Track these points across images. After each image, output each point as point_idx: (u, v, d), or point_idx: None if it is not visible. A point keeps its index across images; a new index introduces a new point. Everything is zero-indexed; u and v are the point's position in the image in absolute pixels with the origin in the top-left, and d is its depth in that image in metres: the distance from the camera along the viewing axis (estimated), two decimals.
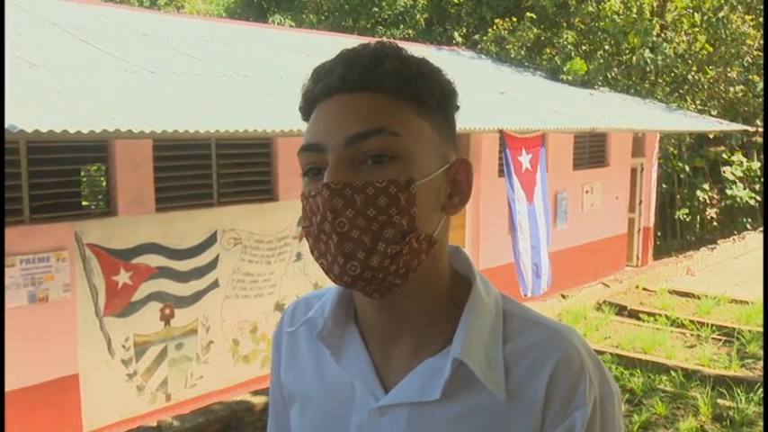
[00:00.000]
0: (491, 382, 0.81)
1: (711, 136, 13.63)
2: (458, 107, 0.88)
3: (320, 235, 0.79)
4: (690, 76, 13.56)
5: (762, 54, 12.45)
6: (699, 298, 8.84)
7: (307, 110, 0.85)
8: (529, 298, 7.54)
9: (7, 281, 4.70)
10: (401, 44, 0.86)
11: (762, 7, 12.41)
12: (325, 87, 0.82)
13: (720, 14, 12.57)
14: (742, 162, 13.90)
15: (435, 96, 0.83)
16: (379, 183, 0.78)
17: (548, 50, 13.21)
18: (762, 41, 12.30)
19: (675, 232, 14.23)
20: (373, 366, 0.88)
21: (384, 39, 0.81)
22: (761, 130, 13.20)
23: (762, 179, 13.77)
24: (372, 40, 0.85)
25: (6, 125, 3.62)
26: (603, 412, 0.83)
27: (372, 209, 0.78)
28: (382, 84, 0.80)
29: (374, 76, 0.80)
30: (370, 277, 0.79)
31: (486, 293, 0.88)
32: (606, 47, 12.97)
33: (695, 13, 13.12)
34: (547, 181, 7.80)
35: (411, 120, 0.81)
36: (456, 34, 14.25)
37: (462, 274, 0.90)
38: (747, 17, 12.78)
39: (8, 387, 4.69)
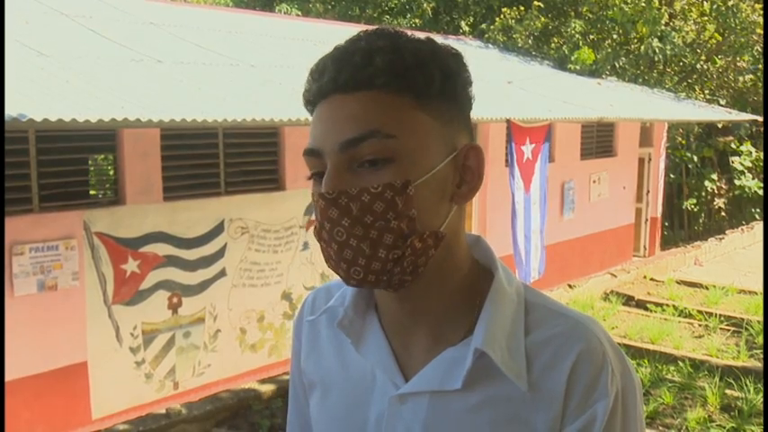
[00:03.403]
0: (512, 372, 0.81)
1: (720, 126, 13.53)
2: (470, 83, 0.85)
3: (322, 241, 0.80)
4: (698, 66, 13.45)
5: None
6: (707, 288, 8.81)
7: (309, 110, 0.84)
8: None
9: (17, 269, 4.72)
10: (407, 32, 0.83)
11: None
12: (319, 90, 0.81)
13: (730, 3, 12.45)
14: (750, 152, 13.80)
15: (435, 83, 0.80)
16: (374, 188, 0.77)
17: (555, 40, 13.10)
18: None
19: (683, 222, 14.17)
20: (393, 355, 0.88)
21: (382, 26, 0.78)
22: None
23: None
24: (370, 29, 0.82)
25: (15, 114, 3.62)
26: (625, 404, 0.82)
27: (369, 215, 0.77)
28: (374, 81, 0.78)
29: (365, 74, 0.78)
30: (375, 280, 0.79)
31: (509, 283, 0.87)
32: (614, 36, 12.86)
33: (704, 2, 13.00)
34: (547, 172, 7.78)
35: (409, 116, 0.78)
36: (463, 23, 14.17)
37: (483, 264, 0.89)
38: (757, 6, 12.63)
39: (18, 374, 4.73)
